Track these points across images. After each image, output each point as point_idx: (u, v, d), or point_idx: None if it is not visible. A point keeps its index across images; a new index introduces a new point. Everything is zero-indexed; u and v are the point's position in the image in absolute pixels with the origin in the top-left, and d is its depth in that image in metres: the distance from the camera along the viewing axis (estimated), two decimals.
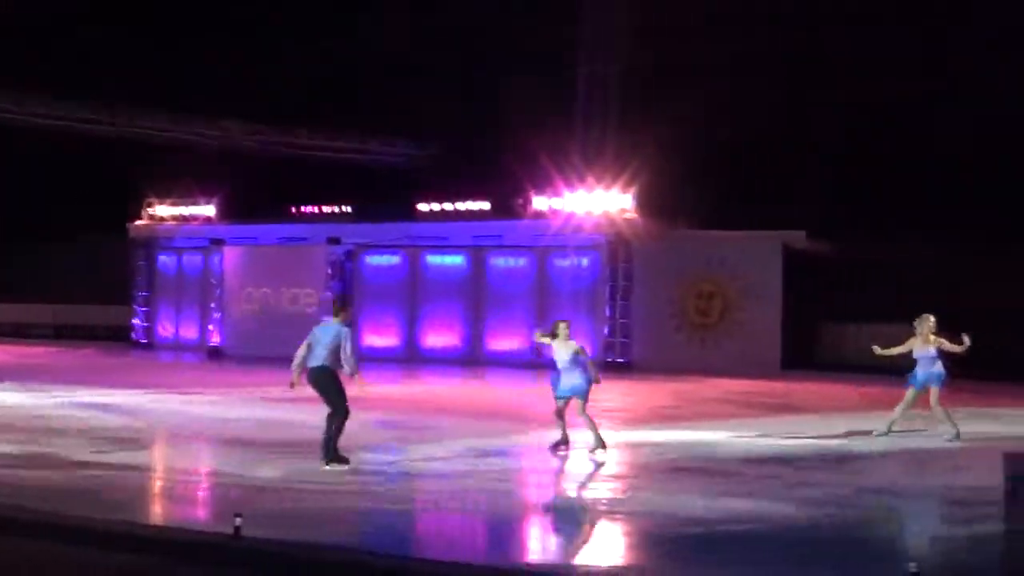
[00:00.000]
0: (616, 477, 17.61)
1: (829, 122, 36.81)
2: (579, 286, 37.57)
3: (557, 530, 14.06)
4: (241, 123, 41.92)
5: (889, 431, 21.16)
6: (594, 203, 36.85)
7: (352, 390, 17.29)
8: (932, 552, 12.71)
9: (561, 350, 19.16)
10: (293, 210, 42.85)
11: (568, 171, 36.85)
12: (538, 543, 13.57)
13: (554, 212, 37.33)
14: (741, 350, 35.21)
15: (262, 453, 18.94)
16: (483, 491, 16.03)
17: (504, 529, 13.84)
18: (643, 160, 35.73)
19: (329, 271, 39.65)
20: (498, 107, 39.19)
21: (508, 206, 38.24)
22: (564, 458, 18.90)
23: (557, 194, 37.22)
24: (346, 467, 17.01)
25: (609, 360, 36.35)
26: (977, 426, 22.11)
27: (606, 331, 37.02)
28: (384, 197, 40.77)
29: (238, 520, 12.23)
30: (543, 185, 37.30)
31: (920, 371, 21.26)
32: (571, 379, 19.05)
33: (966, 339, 20.94)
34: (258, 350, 38.93)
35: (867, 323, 35.06)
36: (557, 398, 19.18)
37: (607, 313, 37.12)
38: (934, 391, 21.19)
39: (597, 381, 19.19)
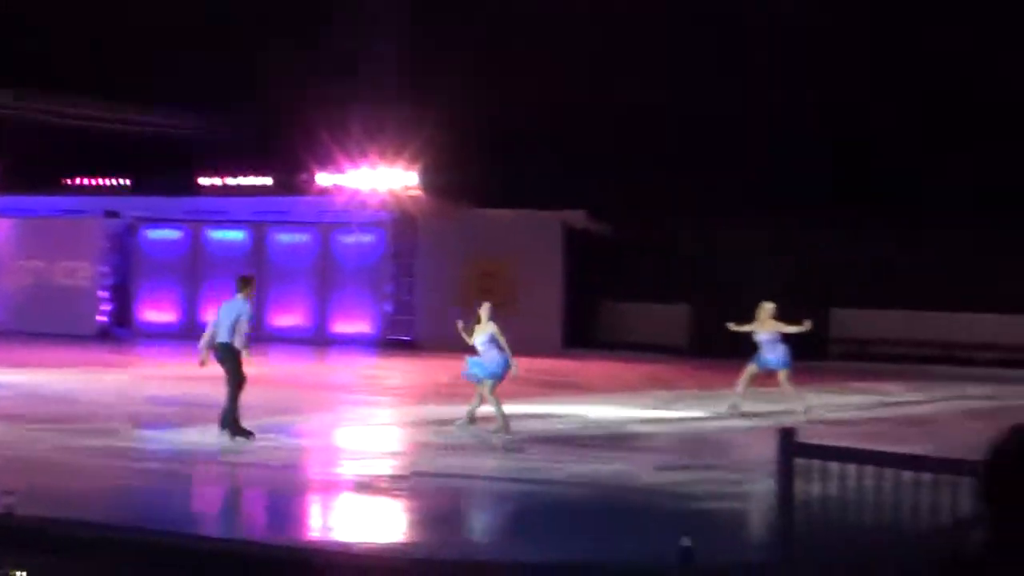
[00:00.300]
0: (397, 454, 17.65)
1: (608, 103, 37.23)
2: (363, 263, 37.43)
3: (334, 507, 14.02)
4: (10, 91, 40.64)
5: (734, 409, 21.69)
6: (378, 180, 36.74)
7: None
8: (705, 526, 13.01)
9: (480, 333, 19.90)
10: (69, 182, 41.78)
11: (352, 148, 36.67)
12: (318, 520, 13.54)
13: (338, 188, 37.11)
14: (523, 328, 35.30)
15: (33, 429, 18.50)
16: (263, 468, 15.91)
17: (282, 505, 13.77)
18: (427, 137, 35.73)
19: (107, 245, 38.78)
20: (282, 82, 38.74)
21: (292, 182, 37.92)
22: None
23: (341, 171, 37.02)
24: (252, 441, 16.85)
25: (392, 338, 36.34)
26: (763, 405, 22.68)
27: (389, 308, 36.98)
28: (165, 170, 40.03)
29: (10, 499, 11.94)
30: (328, 161, 37.06)
31: (762, 353, 22.01)
32: (487, 360, 19.68)
33: (807, 323, 21.84)
34: (33, 325, 37.91)
35: (645, 302, 35.83)
36: (472, 378, 19.76)
37: (390, 290, 37.07)
38: (781, 373, 21.98)
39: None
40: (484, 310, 20.47)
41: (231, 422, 17.29)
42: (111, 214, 38.90)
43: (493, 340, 19.79)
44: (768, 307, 22.18)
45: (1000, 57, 33.98)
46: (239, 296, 17.82)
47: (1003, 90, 34.18)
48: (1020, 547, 3.82)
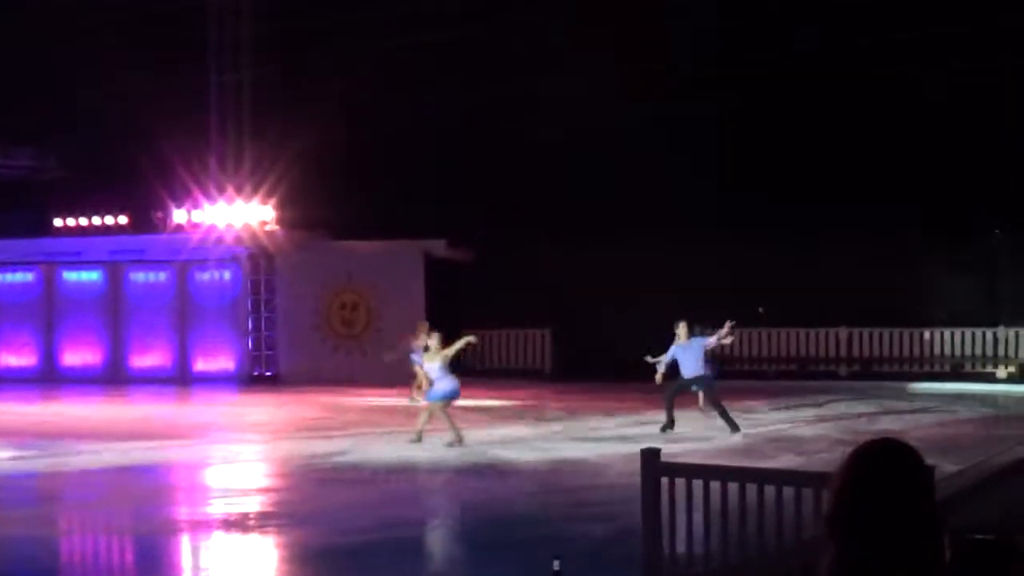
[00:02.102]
0: (266, 490, 17.54)
1: (464, 127, 37.37)
2: (221, 300, 37.13)
3: (207, 546, 13.88)
4: None
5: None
6: (234, 215, 36.48)
7: None
8: (575, 549, 13.11)
9: (435, 360, 21.41)
10: None
11: (207, 183, 36.41)
12: (188, 560, 13.40)
13: (194, 225, 36.78)
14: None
15: None
16: (125, 510, 15.72)
17: (151, 548, 13.60)
18: (282, 170, 35.60)
19: None
20: (135, 118, 38.31)
21: (147, 220, 37.50)
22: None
23: (197, 207, 36.71)
24: None
25: (256, 374, 36.12)
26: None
27: (250, 344, 36.72)
28: (15, 211, 39.35)
29: None
30: (182, 198, 36.74)
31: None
32: (443, 384, 21.39)
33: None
34: None
35: (508, 328, 36.03)
36: (433, 401, 21.49)
37: (250, 327, 36.82)
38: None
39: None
40: (434, 339, 21.88)
41: None
42: None
43: (447, 366, 21.44)
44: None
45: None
46: None
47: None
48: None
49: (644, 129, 34.96)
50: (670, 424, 22.47)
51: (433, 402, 21.59)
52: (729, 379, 30.31)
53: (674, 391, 22.85)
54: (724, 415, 22.16)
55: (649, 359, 23.33)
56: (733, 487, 9.88)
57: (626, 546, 12.57)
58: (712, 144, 35.62)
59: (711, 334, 23.21)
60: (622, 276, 33.75)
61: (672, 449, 15.72)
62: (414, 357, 27.41)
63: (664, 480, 10.25)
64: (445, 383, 21.47)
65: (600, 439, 22.03)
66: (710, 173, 35.16)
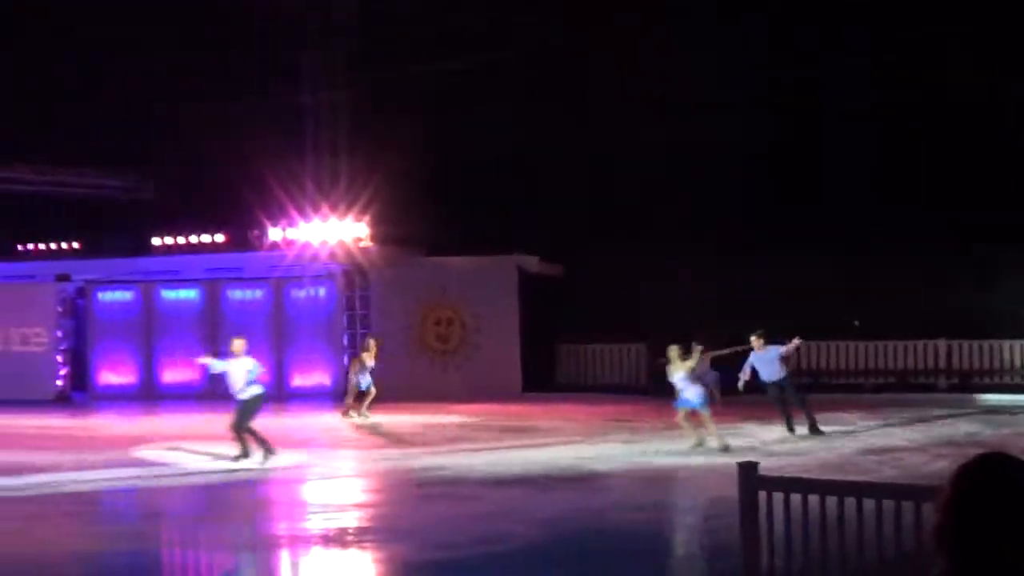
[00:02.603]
0: (364, 505, 17.64)
1: (560, 145, 37.41)
2: (317, 316, 37.42)
3: (308, 561, 13.98)
4: None
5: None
6: (329, 232, 36.76)
7: None
8: (672, 563, 13.09)
9: (679, 371, 22.47)
10: (20, 247, 41.63)
11: (302, 201, 36.72)
12: (287, 574, 13.50)
13: (289, 243, 37.10)
14: (482, 375, 35.54)
15: None
16: (227, 525, 15.88)
17: (252, 562, 13.72)
18: (376, 187, 35.83)
19: (60, 309, 38.59)
20: (231, 137, 38.74)
21: (244, 238, 37.87)
22: (316, 486, 18.88)
23: (292, 224, 37.03)
24: None
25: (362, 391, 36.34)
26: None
27: (346, 360, 36.93)
28: (115, 231, 39.96)
29: None
30: (278, 216, 37.08)
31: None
32: (690, 394, 22.33)
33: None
34: None
35: (603, 343, 35.95)
36: (682, 408, 22.59)
37: (345, 342, 37.05)
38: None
39: None
40: (674, 351, 22.68)
41: None
42: (62, 277, 38.72)
43: (688, 377, 22.34)
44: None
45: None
46: None
47: None
48: None
49: (736, 145, 34.95)
50: (791, 429, 23.73)
51: (682, 409, 22.52)
52: (825, 392, 30.17)
53: (776, 399, 23.90)
54: (789, 418, 23.66)
55: (741, 379, 24.32)
56: (831, 500, 9.80)
57: (724, 560, 12.52)
58: (798, 160, 35.55)
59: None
60: (715, 291, 33.63)
61: (768, 463, 15.62)
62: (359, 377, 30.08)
63: (762, 494, 10.19)
64: (691, 392, 22.32)
65: (696, 452, 21.94)
66: (798, 187, 35.07)
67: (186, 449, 23.85)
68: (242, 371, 21.96)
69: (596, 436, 25.06)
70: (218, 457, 21.98)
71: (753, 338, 24.26)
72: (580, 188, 37.21)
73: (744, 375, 24.39)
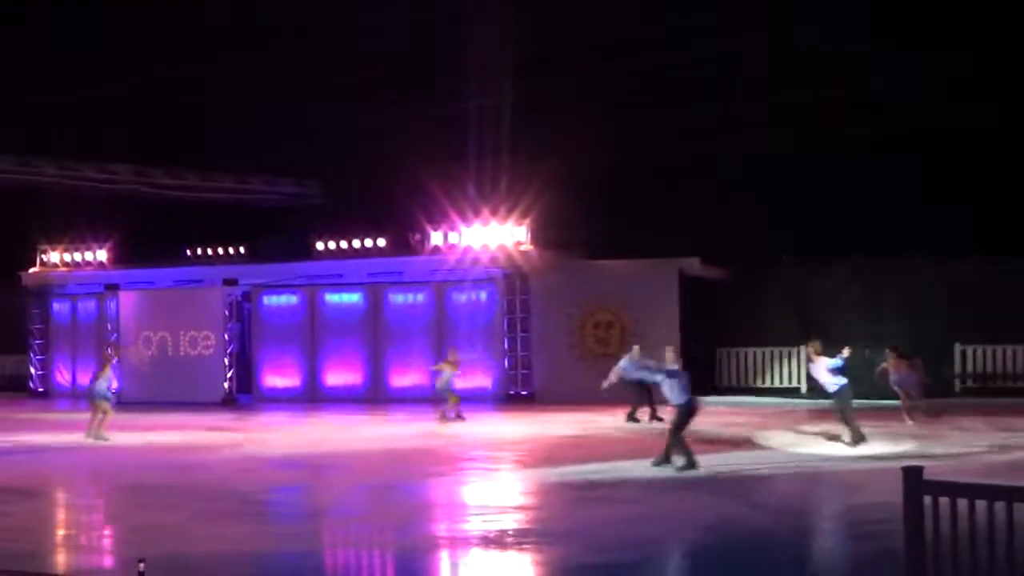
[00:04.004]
0: (522, 508, 17.65)
1: (718, 148, 37.14)
2: (477, 320, 37.60)
3: (466, 562, 14.01)
4: (129, 166, 41.44)
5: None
6: (490, 236, 36.94)
7: None
8: (833, 569, 12.87)
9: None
10: (188, 252, 42.55)
11: (463, 205, 36.93)
12: (448, 575, 13.56)
13: (450, 247, 37.36)
14: None
15: (161, 496, 18.80)
16: (387, 526, 16.00)
17: (413, 563, 13.79)
18: (536, 191, 35.90)
19: (227, 313, 39.31)
20: (392, 143, 39.14)
21: (405, 242, 38.22)
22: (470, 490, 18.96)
23: (453, 228, 37.27)
24: None
25: (512, 393, 36.47)
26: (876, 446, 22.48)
27: (506, 364, 37.07)
28: (280, 236, 40.62)
29: (141, 565, 12.10)
30: (439, 220, 37.35)
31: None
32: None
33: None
34: (157, 395, 38.60)
35: (764, 346, 35.56)
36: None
37: (506, 346, 37.17)
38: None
39: None
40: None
41: None
42: (229, 282, 39.41)
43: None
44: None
45: None
46: None
47: None
48: None
49: (894, 146, 34.42)
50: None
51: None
52: (997, 396, 29.60)
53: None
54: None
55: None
56: (1000, 506, 9.55)
57: (888, 567, 12.28)
58: (970, 161, 34.86)
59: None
60: (876, 295, 33.15)
61: (931, 466, 15.29)
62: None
63: (927, 499, 9.97)
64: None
65: (859, 456, 21.61)
66: (968, 191, 34.39)
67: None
68: (824, 369, 23.65)
69: (756, 439, 24.80)
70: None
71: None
72: (743, 191, 36.91)
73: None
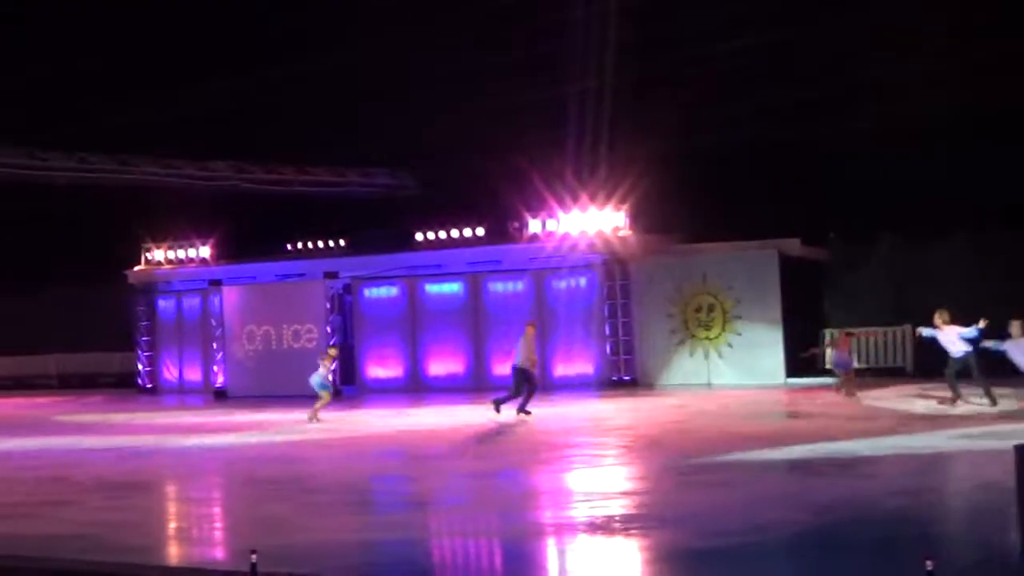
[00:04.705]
0: (628, 493, 17.60)
1: (819, 127, 36.80)
2: (578, 306, 37.54)
3: (573, 549, 14.01)
4: (228, 163, 41.88)
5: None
6: (588, 222, 36.88)
7: None
8: (947, 549, 12.71)
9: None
10: (289, 247, 42.93)
11: (561, 191, 36.89)
12: (555, 563, 13.55)
13: (549, 234, 37.34)
14: (744, 361, 35.22)
15: (270, 489, 19.00)
16: (493, 514, 16.03)
17: (520, 551, 13.80)
18: (634, 176, 35.79)
19: (328, 305, 39.58)
20: (488, 131, 39.19)
21: (504, 230, 38.27)
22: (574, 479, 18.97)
23: (551, 215, 37.25)
24: None
25: (614, 379, 36.40)
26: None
27: (608, 349, 37.01)
28: (379, 228, 40.83)
29: (253, 557, 12.23)
30: (537, 207, 37.35)
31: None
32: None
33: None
34: (262, 388, 38.99)
35: (867, 327, 35.16)
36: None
37: (607, 332, 37.11)
38: None
39: None
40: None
41: None
42: (330, 275, 39.68)
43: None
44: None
45: None
46: None
47: None
48: None
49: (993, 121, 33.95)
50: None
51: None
52: None
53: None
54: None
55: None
56: None
57: (1002, 547, 12.14)
58: None
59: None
60: (978, 272, 32.69)
61: None
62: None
63: None
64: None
65: (969, 436, 21.33)
66: None
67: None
68: (956, 337, 26.20)
69: (864, 420, 24.57)
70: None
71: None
72: (841, 170, 36.57)
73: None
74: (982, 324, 25.76)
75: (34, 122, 42.80)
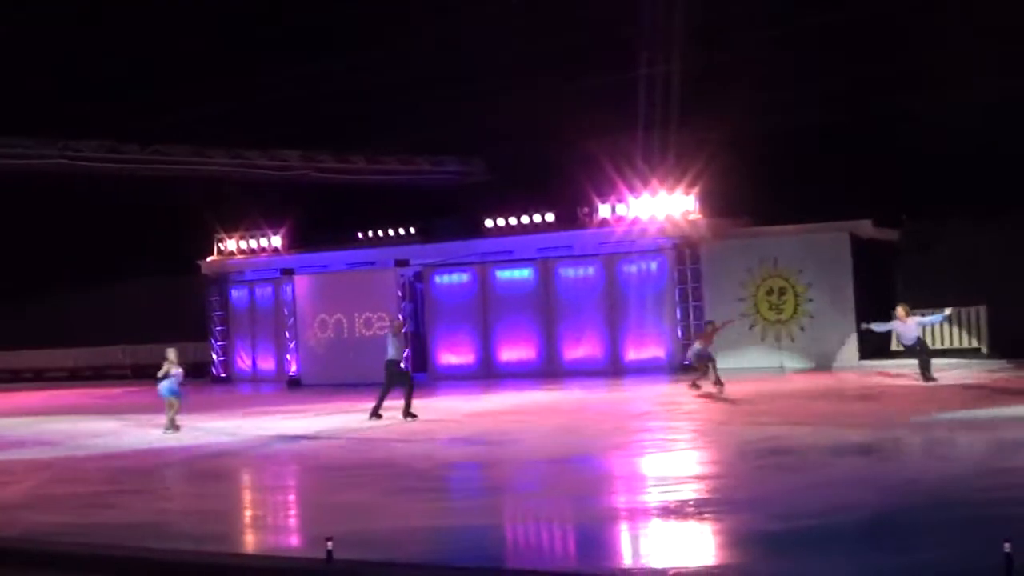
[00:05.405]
0: (701, 477, 17.59)
1: (889, 107, 36.49)
2: (648, 291, 37.51)
3: (647, 533, 14.02)
4: (297, 152, 42.09)
5: None
6: (658, 207, 36.82)
7: None
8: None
9: None
10: (360, 235, 43.14)
11: (631, 176, 36.84)
12: (628, 547, 13.57)
13: (618, 219, 37.33)
14: (817, 344, 35.03)
15: (345, 476, 19.13)
16: (566, 499, 16.07)
17: (594, 535, 13.83)
18: (704, 159, 35.68)
19: (400, 293, 39.75)
20: (557, 117, 39.11)
21: (573, 216, 38.29)
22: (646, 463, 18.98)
23: (621, 200, 37.23)
24: None
25: (686, 363, 36.32)
26: None
27: (679, 334, 36.95)
28: (449, 215, 40.94)
29: (329, 544, 12.34)
30: (606, 192, 37.33)
31: None
32: None
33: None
34: (335, 377, 39.21)
35: (941, 308, 34.84)
36: None
37: (678, 316, 37.05)
38: None
39: None
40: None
41: None
42: (401, 263, 39.85)
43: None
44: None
45: None
46: None
47: None
48: None
49: None
50: None
51: None
52: None
53: None
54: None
55: None
56: None
57: None
58: None
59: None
60: None
61: None
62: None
63: None
64: None
65: None
66: None
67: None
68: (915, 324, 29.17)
69: (936, 402, 24.39)
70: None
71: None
72: (913, 150, 36.21)
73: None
74: (947, 311, 30.17)
75: (109, 116, 43.22)
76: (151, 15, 42.51)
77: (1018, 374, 27.95)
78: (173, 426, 27.00)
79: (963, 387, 27.04)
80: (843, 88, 36.36)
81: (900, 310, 29.50)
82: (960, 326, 34.92)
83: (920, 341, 29.66)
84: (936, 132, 35.50)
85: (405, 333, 38.21)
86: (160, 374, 27.46)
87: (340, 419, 28.29)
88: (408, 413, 26.52)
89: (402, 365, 28.07)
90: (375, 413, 26.64)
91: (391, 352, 27.23)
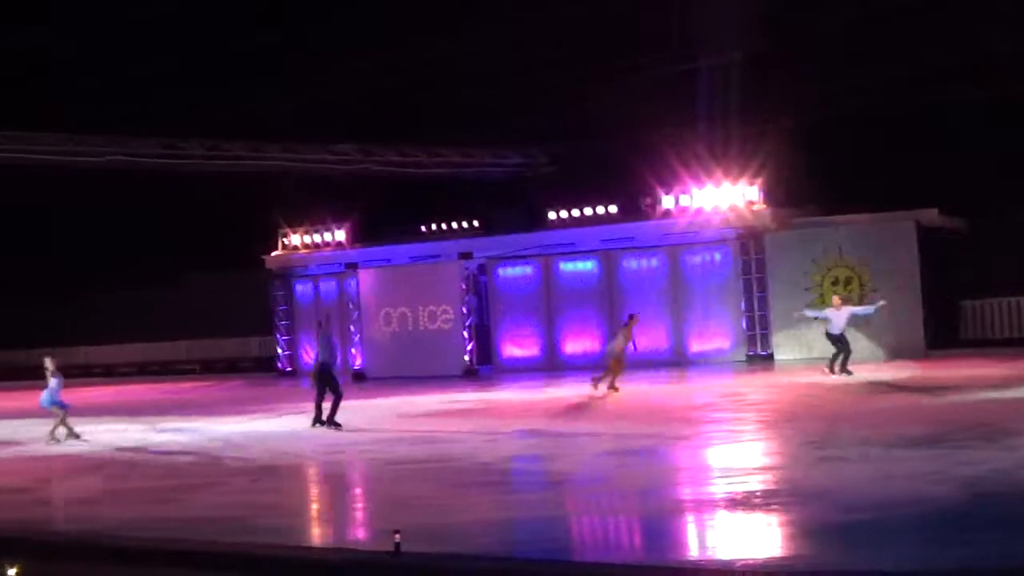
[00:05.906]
0: (767, 468, 17.53)
1: (957, 96, 36.16)
2: (713, 281, 37.41)
3: (713, 525, 13.99)
4: (357, 147, 42.22)
5: None
6: (721, 197, 36.69)
7: None
8: None
9: None
10: (423, 228, 43.24)
11: (694, 167, 36.73)
12: (695, 539, 13.54)
13: (682, 210, 37.23)
14: (885, 334, 34.77)
15: (410, 469, 19.19)
16: (631, 492, 16.05)
17: (659, 527, 13.81)
18: (767, 149, 35.52)
19: (463, 286, 39.80)
20: (618, 109, 39.05)
21: (636, 207, 38.22)
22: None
23: (684, 191, 37.12)
24: None
25: (751, 353, 36.20)
26: None
27: (744, 324, 36.81)
28: (512, 208, 40.97)
29: (397, 537, 12.38)
30: (669, 183, 37.24)
31: None
32: None
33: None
34: (399, 370, 39.33)
35: (1008, 296, 34.55)
36: None
37: (742, 307, 36.90)
38: None
39: None
40: None
41: None
42: (464, 256, 39.90)
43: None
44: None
45: None
46: None
47: None
48: None
49: None
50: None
51: None
52: None
53: None
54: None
55: None
56: None
57: None
58: None
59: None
60: None
61: None
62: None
63: None
64: None
65: None
66: None
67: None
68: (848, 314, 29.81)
69: (1008, 391, 24.17)
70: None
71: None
72: (981, 139, 35.93)
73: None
74: (882, 303, 30.89)
75: (166, 112, 43.60)
76: (210, 11, 42.84)
77: None
78: (53, 437, 25.75)
79: None
80: (909, 76, 36.04)
81: (836, 299, 30.86)
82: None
83: (843, 334, 30.08)
84: (1002, 121, 35.23)
85: (470, 325, 38.31)
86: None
87: (403, 411, 28.34)
88: (327, 421, 25.45)
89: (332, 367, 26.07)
90: (319, 420, 25.57)
91: (323, 355, 26.10)
